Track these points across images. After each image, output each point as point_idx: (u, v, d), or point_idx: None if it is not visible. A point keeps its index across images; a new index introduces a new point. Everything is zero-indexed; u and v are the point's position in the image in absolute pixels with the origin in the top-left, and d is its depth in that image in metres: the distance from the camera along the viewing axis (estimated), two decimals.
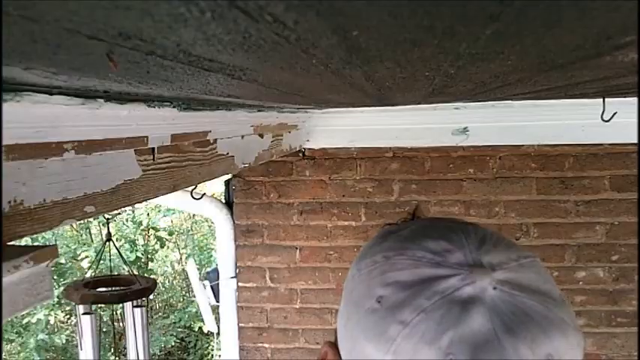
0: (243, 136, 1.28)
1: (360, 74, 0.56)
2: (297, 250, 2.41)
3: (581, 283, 2.32)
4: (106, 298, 2.22)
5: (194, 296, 4.68)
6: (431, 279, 0.43)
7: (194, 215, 8.04)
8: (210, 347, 7.32)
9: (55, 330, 7.19)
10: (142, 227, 7.50)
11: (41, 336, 6.76)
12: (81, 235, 7.94)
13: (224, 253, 2.46)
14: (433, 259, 0.44)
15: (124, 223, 7.54)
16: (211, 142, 1.09)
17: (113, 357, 7.23)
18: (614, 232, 2.29)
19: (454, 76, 0.60)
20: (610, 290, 2.31)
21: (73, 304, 2.12)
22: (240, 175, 2.38)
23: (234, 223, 2.42)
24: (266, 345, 2.48)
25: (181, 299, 8.16)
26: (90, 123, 0.57)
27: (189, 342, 7.72)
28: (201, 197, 2.17)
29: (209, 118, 0.96)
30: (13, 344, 6.93)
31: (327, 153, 2.35)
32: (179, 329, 7.64)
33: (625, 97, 1.20)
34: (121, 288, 2.16)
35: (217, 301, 2.53)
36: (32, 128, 0.49)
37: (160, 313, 7.97)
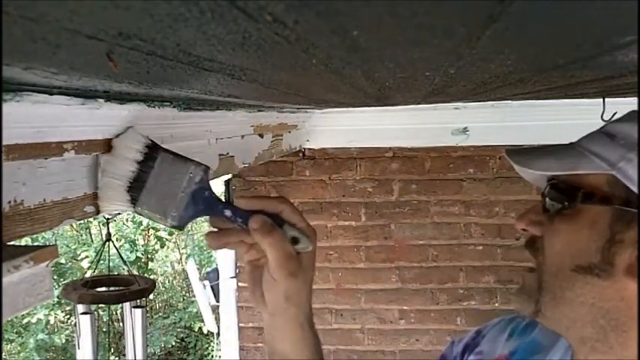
0: (243, 136, 1.27)
1: (360, 74, 0.56)
2: None
3: None
4: (105, 298, 2.22)
5: (194, 296, 4.68)
6: None
7: None
8: (210, 347, 7.32)
9: (55, 330, 7.19)
10: (142, 227, 7.50)
11: (41, 336, 6.76)
12: (81, 235, 7.94)
13: (224, 253, 2.46)
14: None
15: (124, 223, 7.54)
16: (211, 142, 1.09)
17: (113, 357, 7.23)
18: None
19: (454, 76, 0.60)
20: None
21: (73, 304, 2.13)
22: (240, 175, 2.38)
23: None
24: None
25: (181, 299, 8.16)
26: (90, 123, 0.57)
27: (190, 342, 7.72)
28: None
29: (209, 118, 0.96)
30: (13, 344, 6.93)
31: (327, 153, 2.35)
32: (179, 329, 7.64)
33: (625, 97, 1.20)
34: (120, 288, 2.16)
35: (217, 301, 2.53)
36: (32, 128, 0.49)
37: (160, 313, 7.97)
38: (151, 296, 6.47)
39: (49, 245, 0.49)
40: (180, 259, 8.56)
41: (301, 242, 0.63)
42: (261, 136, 1.43)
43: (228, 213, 0.61)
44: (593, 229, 0.57)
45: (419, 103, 1.39)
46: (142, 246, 7.62)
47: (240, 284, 2.46)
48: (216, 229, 0.64)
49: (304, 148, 2.32)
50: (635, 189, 0.53)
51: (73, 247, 7.33)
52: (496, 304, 2.40)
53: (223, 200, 0.62)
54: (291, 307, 0.67)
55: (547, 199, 0.62)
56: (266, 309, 0.67)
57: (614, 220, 0.55)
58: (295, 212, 0.66)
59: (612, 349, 0.57)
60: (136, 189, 0.58)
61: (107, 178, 0.57)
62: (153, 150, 0.59)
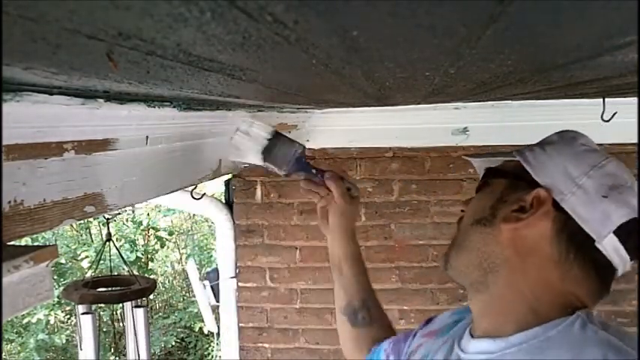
0: None
1: (360, 74, 0.56)
2: (297, 250, 2.41)
3: None
4: (106, 298, 2.22)
5: (194, 296, 4.68)
6: None
7: (194, 215, 8.04)
8: (210, 347, 7.33)
9: (55, 330, 7.18)
10: (142, 227, 7.49)
11: (41, 336, 6.76)
12: (81, 235, 7.93)
13: (224, 253, 2.46)
14: None
15: (124, 223, 7.54)
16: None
17: (113, 357, 7.22)
18: None
19: (454, 76, 0.60)
20: (610, 290, 2.31)
21: (73, 304, 2.12)
22: (240, 175, 2.38)
23: (234, 223, 2.42)
24: (266, 345, 2.48)
25: (181, 299, 8.16)
26: (90, 123, 0.57)
27: (190, 342, 7.72)
28: (201, 197, 2.17)
29: (209, 118, 0.96)
30: (13, 344, 6.93)
31: (327, 153, 2.35)
32: (179, 329, 7.64)
33: (625, 97, 1.20)
34: (121, 288, 2.16)
35: (217, 301, 2.53)
36: (32, 128, 0.49)
37: (160, 313, 7.96)
38: (151, 296, 6.47)
39: (49, 245, 0.49)
40: (180, 259, 8.56)
41: (352, 190, 1.09)
42: None
43: (314, 171, 1.08)
44: (490, 194, 0.75)
45: (419, 103, 1.39)
46: (142, 246, 7.61)
47: (240, 284, 2.46)
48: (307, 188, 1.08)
49: None
50: (528, 168, 0.71)
51: (73, 247, 7.32)
52: None
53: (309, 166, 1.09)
54: (342, 223, 1.08)
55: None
56: (329, 228, 1.08)
57: (506, 188, 0.74)
58: (347, 175, 1.12)
59: (488, 289, 0.71)
60: (265, 151, 1.05)
61: (251, 142, 1.04)
62: (277, 133, 1.07)
